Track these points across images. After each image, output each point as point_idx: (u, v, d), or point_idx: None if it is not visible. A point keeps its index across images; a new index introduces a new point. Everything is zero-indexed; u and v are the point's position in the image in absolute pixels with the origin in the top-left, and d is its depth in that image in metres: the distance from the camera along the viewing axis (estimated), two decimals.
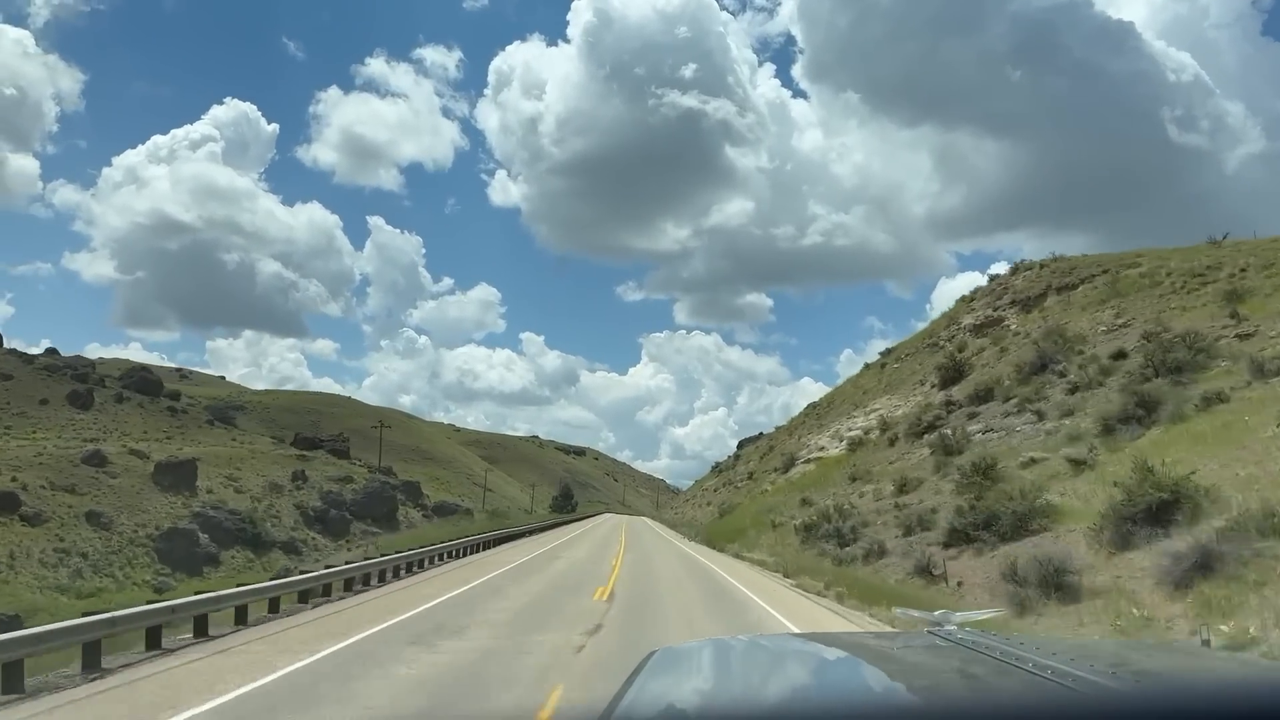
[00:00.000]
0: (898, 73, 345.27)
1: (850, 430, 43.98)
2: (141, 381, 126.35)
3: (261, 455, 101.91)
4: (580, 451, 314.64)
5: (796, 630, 13.08)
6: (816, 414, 66.17)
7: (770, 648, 2.66)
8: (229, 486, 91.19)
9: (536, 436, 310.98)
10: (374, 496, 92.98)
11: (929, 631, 2.41)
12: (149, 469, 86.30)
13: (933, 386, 41.62)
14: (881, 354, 63.18)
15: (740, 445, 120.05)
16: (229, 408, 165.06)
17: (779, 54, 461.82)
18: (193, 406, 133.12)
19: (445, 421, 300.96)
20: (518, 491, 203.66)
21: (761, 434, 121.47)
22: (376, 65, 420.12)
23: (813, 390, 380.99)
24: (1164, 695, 1.60)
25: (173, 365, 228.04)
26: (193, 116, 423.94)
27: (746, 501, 49.27)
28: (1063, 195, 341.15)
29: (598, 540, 45.04)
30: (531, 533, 57.36)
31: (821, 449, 45.74)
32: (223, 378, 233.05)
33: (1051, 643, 2.16)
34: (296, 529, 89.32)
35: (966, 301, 51.07)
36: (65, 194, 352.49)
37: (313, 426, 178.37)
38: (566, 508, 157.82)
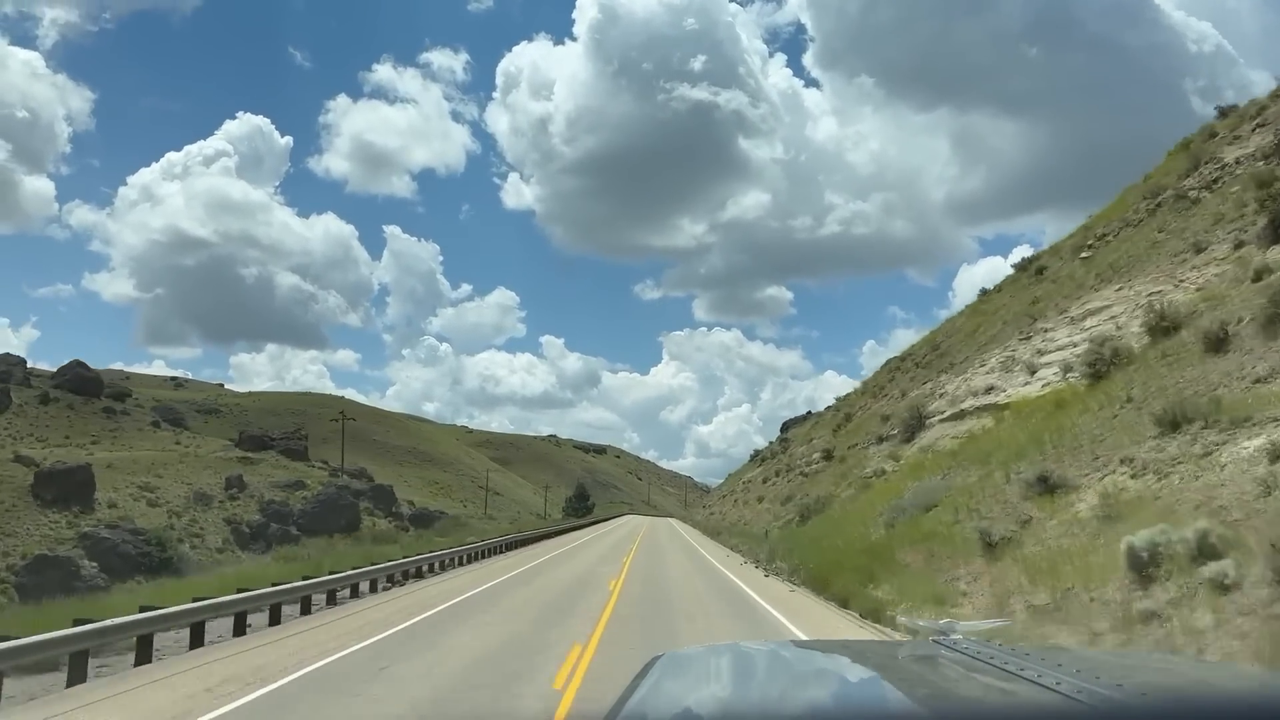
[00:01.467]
0: (910, 56, 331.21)
1: (1052, 353, 23.36)
2: (77, 380, 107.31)
3: (195, 459, 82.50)
4: (601, 450, 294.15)
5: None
6: (916, 363, 45.54)
7: (775, 655, 2.58)
8: (141, 499, 71.70)
9: (554, 436, 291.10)
10: (329, 505, 73.32)
11: (934, 641, 2.35)
12: (31, 479, 67.19)
13: (1238, 245, 20.96)
14: (1019, 266, 42.51)
15: (785, 427, 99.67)
16: (196, 409, 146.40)
17: (789, 43, 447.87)
18: (138, 408, 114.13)
19: (458, 424, 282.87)
20: (531, 494, 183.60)
21: (810, 412, 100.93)
22: (384, 71, 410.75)
23: (837, 383, 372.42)
24: (1169, 708, 1.59)
25: (169, 375, 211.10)
26: (205, 132, 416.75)
27: (857, 496, 28.58)
28: (1085, 173, 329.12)
29: (567, 582, 23.89)
30: (490, 552, 37.18)
31: (990, 391, 25.15)
32: (221, 385, 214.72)
33: (1056, 654, 2.04)
34: (224, 549, 69.68)
35: (1205, 137, 30.35)
36: (82, 214, 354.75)
37: (295, 429, 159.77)
38: (582, 510, 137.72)
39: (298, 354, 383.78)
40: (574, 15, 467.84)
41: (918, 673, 2.08)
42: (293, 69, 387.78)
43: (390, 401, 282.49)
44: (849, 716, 1.75)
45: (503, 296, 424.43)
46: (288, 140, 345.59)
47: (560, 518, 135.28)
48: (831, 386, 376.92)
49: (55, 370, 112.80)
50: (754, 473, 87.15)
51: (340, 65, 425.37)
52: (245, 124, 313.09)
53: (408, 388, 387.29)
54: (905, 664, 2.20)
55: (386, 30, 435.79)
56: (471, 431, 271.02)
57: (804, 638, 14.48)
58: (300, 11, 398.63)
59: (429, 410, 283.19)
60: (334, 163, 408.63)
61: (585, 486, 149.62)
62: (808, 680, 2.17)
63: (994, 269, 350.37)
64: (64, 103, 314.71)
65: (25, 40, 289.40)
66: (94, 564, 61.17)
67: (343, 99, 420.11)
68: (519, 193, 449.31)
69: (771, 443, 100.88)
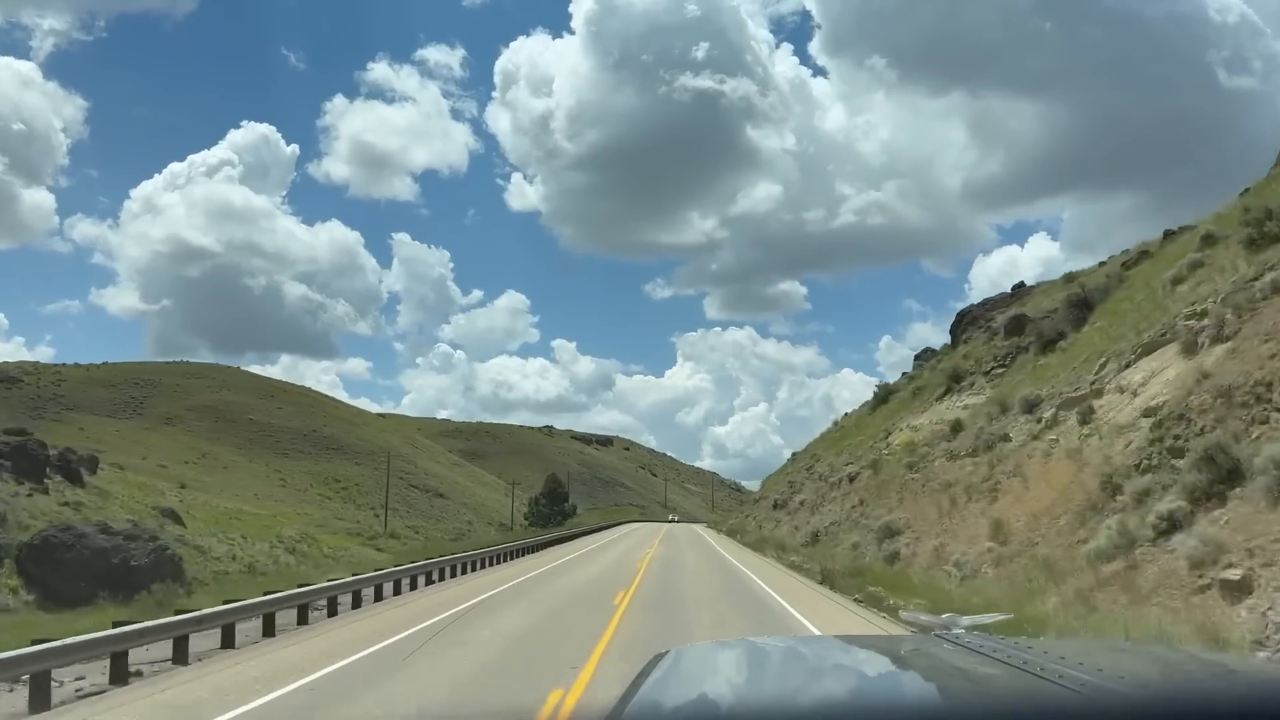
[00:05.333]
0: (920, 39, 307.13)
1: None
2: None
3: None
4: (606, 440, 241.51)
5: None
6: None
7: (779, 650, 2.56)
8: None
9: (549, 426, 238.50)
10: None
11: (937, 635, 2.36)
12: None
13: None
14: None
15: (962, 324, 47.57)
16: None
17: (795, 32, 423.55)
18: None
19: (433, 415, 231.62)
20: (500, 495, 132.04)
21: (1023, 283, 48.48)
22: (380, 70, 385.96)
23: (853, 380, 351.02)
24: (1171, 700, 1.61)
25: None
26: (206, 140, 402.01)
27: None
28: (1107, 153, 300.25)
29: None
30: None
31: None
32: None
33: (1059, 646, 2.10)
34: None
35: None
36: (84, 227, 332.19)
37: (131, 402, 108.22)
38: (555, 516, 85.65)
39: (310, 364, 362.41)
40: (570, 8, 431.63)
41: (922, 667, 2.09)
42: (287, 71, 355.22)
43: (406, 410, 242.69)
44: (854, 710, 1.73)
45: (513, 300, 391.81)
46: (294, 148, 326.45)
47: (525, 526, 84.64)
48: (849, 383, 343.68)
49: None
50: (926, 414, 34.54)
51: (335, 65, 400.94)
52: (250, 132, 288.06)
53: (422, 395, 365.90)
54: (909, 658, 2.20)
55: (380, 26, 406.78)
56: (443, 420, 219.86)
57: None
58: (291, 10, 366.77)
59: (444, 416, 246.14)
60: (334, 167, 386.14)
61: (561, 481, 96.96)
62: (813, 674, 2.16)
63: (1012, 257, 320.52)
64: (59, 113, 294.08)
65: (19, 50, 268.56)
66: None
67: (339, 100, 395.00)
68: (523, 193, 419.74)
69: (914, 369, 48.33)
